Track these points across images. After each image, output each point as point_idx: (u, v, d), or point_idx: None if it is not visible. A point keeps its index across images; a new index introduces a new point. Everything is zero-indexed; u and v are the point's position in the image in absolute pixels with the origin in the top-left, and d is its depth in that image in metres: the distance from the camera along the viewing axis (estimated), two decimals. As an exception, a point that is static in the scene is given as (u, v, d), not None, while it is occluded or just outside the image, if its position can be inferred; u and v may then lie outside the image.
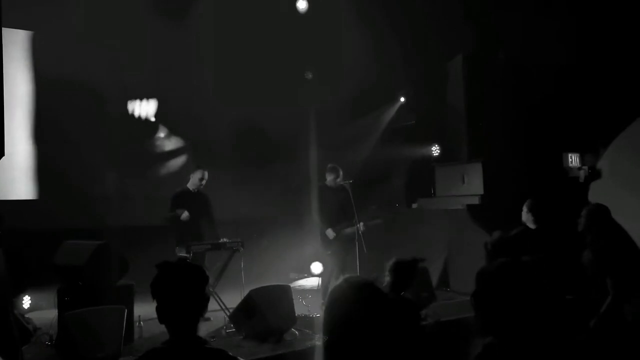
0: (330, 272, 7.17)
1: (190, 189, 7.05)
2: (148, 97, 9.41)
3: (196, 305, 2.17)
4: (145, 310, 5.56)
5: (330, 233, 7.01)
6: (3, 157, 5.17)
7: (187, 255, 6.32)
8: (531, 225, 5.50)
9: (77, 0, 8.17)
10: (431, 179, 10.12)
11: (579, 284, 4.34)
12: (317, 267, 9.18)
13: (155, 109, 9.53)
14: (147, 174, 9.34)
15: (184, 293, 2.14)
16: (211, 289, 6.41)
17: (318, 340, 5.69)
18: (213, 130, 9.51)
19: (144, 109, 9.46)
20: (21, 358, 4.67)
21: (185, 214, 6.77)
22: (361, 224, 7.04)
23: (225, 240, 6.81)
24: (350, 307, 1.93)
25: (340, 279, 2.10)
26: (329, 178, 7.20)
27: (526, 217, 5.54)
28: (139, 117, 9.42)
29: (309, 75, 10.34)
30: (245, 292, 5.94)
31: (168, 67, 9.07)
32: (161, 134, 9.73)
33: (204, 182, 7.04)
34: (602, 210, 4.54)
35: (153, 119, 9.52)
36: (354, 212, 7.05)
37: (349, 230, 7.12)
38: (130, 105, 9.32)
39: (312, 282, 8.70)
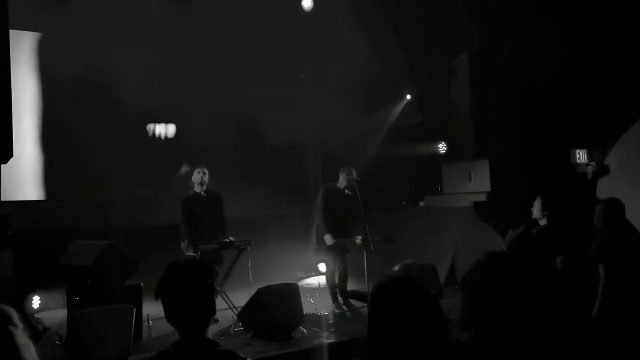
0: (333, 271, 7.15)
1: (199, 191, 6.97)
2: (152, 97, 9.45)
3: (205, 306, 2.14)
4: (153, 309, 5.57)
5: (328, 239, 6.93)
6: (11, 159, 5.22)
7: (195, 255, 6.33)
8: (542, 222, 5.46)
9: (84, 1, 8.21)
10: (438, 177, 10.11)
11: (588, 279, 4.34)
12: (324, 265, 9.18)
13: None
14: (154, 174, 9.37)
15: (191, 294, 2.10)
16: (219, 288, 6.43)
17: (326, 339, 5.70)
18: (219, 130, 9.53)
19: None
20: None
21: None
22: (359, 237, 6.99)
23: (232, 239, 6.81)
24: (393, 302, 1.92)
25: (383, 276, 2.09)
26: (341, 178, 7.16)
27: (538, 213, 5.48)
28: (144, 118, 9.50)
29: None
30: (253, 291, 5.95)
31: (173, 69, 9.09)
32: (167, 136, 9.78)
33: (205, 178, 6.86)
34: (617, 205, 4.53)
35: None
36: (362, 214, 6.97)
37: (346, 241, 7.09)
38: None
39: (320, 280, 8.70)
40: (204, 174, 6.90)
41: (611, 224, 4.43)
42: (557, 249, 4.30)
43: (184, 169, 9.63)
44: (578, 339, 3.32)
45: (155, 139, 9.70)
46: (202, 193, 6.89)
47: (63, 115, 8.18)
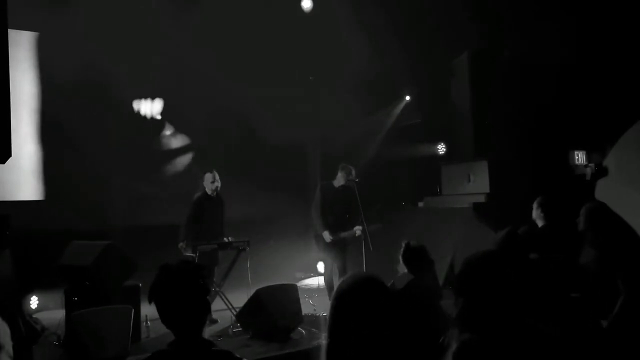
0: (331, 271, 7.15)
1: (209, 193, 7.04)
2: (151, 97, 9.45)
3: (199, 306, 2.13)
4: (152, 309, 5.53)
5: (327, 236, 6.95)
6: (10, 158, 5.21)
7: (194, 255, 6.33)
8: (540, 223, 5.45)
9: (83, 1, 8.19)
10: (437, 178, 10.10)
11: (584, 282, 4.31)
12: (323, 266, 9.19)
13: (161, 108, 9.58)
14: (153, 174, 9.37)
15: (184, 296, 2.10)
16: (217, 289, 6.42)
17: (325, 340, 5.69)
18: (219, 130, 9.53)
19: (150, 108, 9.51)
20: (30, 358, 4.71)
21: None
22: (359, 228, 7.01)
23: (231, 239, 6.82)
24: (357, 302, 1.89)
25: (347, 275, 2.07)
26: (340, 175, 7.16)
27: (536, 213, 5.48)
28: (145, 117, 9.48)
29: (311, 78, 10.43)
30: (252, 292, 5.95)
31: (173, 69, 9.09)
32: (167, 134, 9.77)
33: (217, 183, 6.98)
34: (599, 208, 4.47)
35: (159, 117, 9.59)
36: (361, 212, 7.00)
37: (345, 234, 7.10)
38: (136, 104, 9.37)
39: (319, 281, 8.70)
40: (215, 180, 7.00)
41: (603, 229, 4.34)
42: (546, 249, 4.26)
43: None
44: (572, 339, 3.31)
45: (155, 139, 9.69)
46: (213, 195, 7.00)
47: (63, 115, 8.16)
